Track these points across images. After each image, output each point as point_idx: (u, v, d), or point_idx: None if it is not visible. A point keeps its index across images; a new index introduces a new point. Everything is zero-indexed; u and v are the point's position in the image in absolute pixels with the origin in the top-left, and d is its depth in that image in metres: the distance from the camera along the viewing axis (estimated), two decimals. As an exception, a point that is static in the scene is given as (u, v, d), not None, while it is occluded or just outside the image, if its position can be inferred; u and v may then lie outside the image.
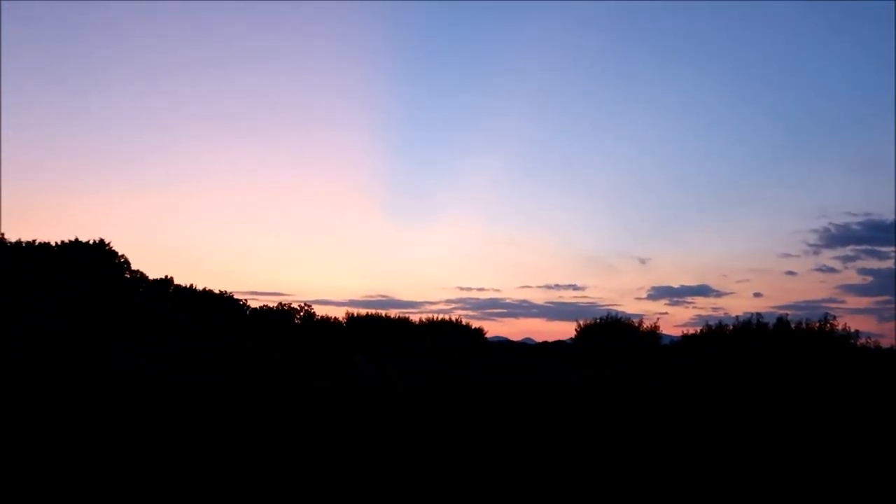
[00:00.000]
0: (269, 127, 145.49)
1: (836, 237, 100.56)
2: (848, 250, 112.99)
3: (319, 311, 70.96)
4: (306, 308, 67.04)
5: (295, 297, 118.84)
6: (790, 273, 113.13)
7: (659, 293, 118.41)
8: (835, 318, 34.57)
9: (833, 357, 32.91)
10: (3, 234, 41.73)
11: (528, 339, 79.30)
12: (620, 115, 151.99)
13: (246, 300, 63.92)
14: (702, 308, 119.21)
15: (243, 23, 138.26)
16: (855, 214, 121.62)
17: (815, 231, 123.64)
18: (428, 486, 8.80)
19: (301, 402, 18.84)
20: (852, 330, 34.58)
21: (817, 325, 34.68)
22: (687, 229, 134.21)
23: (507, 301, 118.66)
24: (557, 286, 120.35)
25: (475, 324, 63.90)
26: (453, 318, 68.61)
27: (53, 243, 44.72)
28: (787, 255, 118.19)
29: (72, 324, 29.92)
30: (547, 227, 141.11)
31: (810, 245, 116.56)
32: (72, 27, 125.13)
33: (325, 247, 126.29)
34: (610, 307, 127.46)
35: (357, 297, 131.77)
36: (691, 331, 44.63)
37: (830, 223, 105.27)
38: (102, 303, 35.01)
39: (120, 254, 49.35)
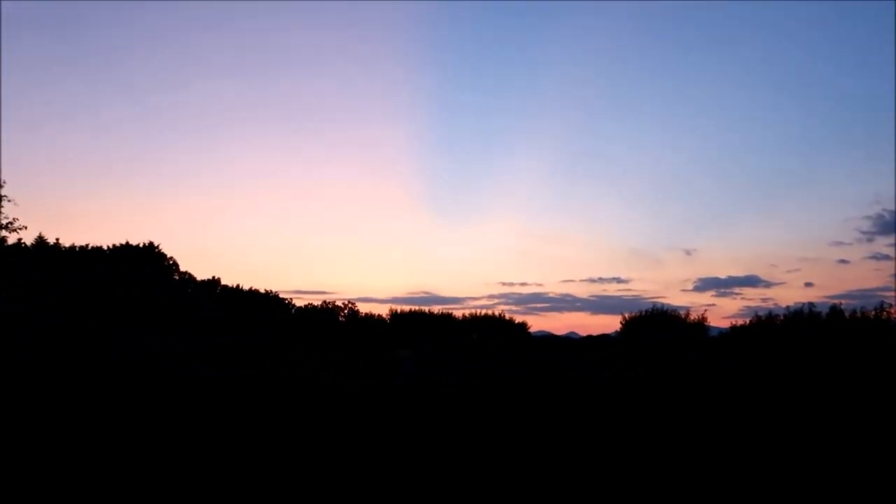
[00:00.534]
0: (315, 128, 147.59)
1: (891, 224, 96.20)
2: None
3: (363, 308, 71.89)
4: (350, 306, 67.97)
5: (339, 296, 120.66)
6: (842, 262, 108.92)
7: (706, 285, 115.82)
8: (891, 306, 33.30)
9: (891, 346, 31.59)
10: (57, 240, 43.30)
11: (573, 332, 78.56)
12: (662, 107, 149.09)
13: (291, 299, 65.17)
14: (750, 299, 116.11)
15: (287, 24, 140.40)
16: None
17: (868, 218, 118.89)
18: (457, 482, 8.80)
19: (337, 399, 19.03)
20: (910, 318, 33.23)
21: (873, 313, 33.38)
22: (734, 219, 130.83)
23: (551, 295, 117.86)
24: (601, 279, 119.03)
25: (518, 318, 63.76)
26: (496, 314, 68.68)
27: (105, 247, 46.19)
28: (839, 244, 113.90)
29: (94, 321, 30.70)
30: (589, 221, 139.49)
31: (863, 232, 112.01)
32: (114, 33, 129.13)
33: (369, 245, 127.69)
34: (655, 300, 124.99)
35: (400, 294, 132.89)
36: (740, 322, 43.62)
37: (884, 209, 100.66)
38: (145, 301, 36.01)
39: (169, 256, 50.71)
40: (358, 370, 27.39)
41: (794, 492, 8.45)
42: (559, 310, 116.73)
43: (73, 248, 45.47)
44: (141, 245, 49.21)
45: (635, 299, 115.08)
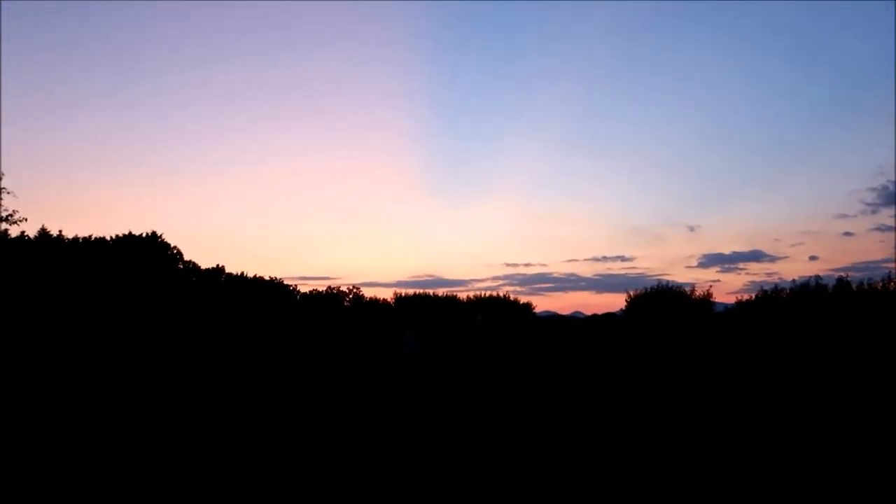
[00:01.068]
0: (313, 111, 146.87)
1: (895, 195, 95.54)
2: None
3: (368, 292, 71.77)
4: (355, 291, 67.98)
5: (344, 281, 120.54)
6: (847, 234, 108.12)
7: (710, 261, 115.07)
8: (898, 276, 32.77)
9: (899, 317, 31.23)
10: (60, 232, 43.31)
11: (578, 312, 78.26)
12: (660, 80, 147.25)
13: (296, 286, 65.17)
14: (755, 274, 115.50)
15: (286, 8, 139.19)
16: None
17: (872, 189, 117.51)
18: (461, 472, 8.64)
19: (340, 391, 18.96)
20: (918, 289, 32.77)
21: (880, 284, 32.95)
22: (736, 193, 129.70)
23: (555, 275, 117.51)
24: (605, 258, 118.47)
25: (523, 299, 63.41)
26: (501, 295, 68.53)
27: (108, 237, 46.17)
28: (844, 216, 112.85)
29: (91, 317, 30.80)
30: (592, 199, 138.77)
31: (868, 204, 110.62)
32: (112, 21, 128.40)
33: (372, 229, 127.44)
34: (660, 277, 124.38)
35: (405, 277, 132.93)
36: (745, 297, 43.19)
37: (888, 180, 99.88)
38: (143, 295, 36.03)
39: (173, 245, 50.71)
40: (361, 359, 27.36)
41: (806, 475, 8.25)
42: (564, 289, 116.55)
43: (76, 239, 45.49)
44: (144, 234, 49.23)
45: (640, 277, 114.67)
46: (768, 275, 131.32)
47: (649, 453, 8.51)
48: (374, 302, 67.95)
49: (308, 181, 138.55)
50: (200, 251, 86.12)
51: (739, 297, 46.93)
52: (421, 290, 66.90)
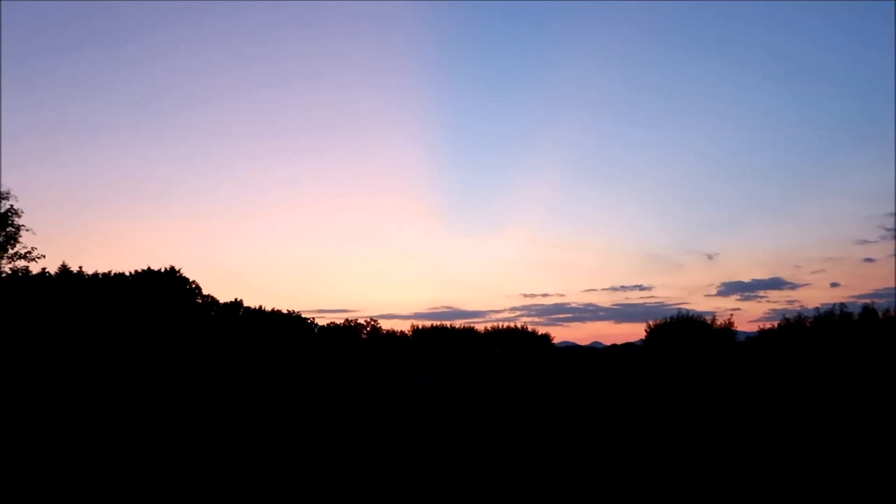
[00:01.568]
0: (330, 145, 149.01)
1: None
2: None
3: (386, 325, 71.72)
4: (372, 323, 67.90)
5: (362, 313, 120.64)
6: (868, 260, 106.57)
7: (729, 289, 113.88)
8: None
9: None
10: (80, 268, 43.77)
11: (597, 342, 77.56)
12: (676, 111, 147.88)
13: (313, 318, 65.18)
14: (775, 302, 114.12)
15: (304, 43, 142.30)
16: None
17: (891, 214, 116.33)
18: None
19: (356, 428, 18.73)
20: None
21: (908, 311, 32.23)
22: (755, 221, 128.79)
23: (573, 305, 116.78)
24: (623, 287, 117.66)
25: (541, 330, 62.93)
26: (519, 326, 68.03)
27: (127, 273, 46.55)
28: (864, 242, 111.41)
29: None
30: (608, 229, 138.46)
31: (888, 229, 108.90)
32: (132, 59, 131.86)
33: (390, 261, 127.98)
34: (679, 306, 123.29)
35: (422, 309, 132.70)
36: (768, 325, 42.43)
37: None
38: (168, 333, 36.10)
39: (191, 280, 50.95)
40: (376, 395, 27.03)
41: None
42: (582, 320, 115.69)
43: (95, 275, 45.92)
44: (162, 270, 49.56)
45: (659, 306, 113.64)
46: (789, 302, 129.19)
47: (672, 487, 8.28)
48: (392, 334, 67.88)
49: (325, 215, 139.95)
50: (218, 285, 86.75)
51: (762, 326, 46.14)
52: (438, 322, 66.71)
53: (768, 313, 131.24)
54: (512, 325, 62.79)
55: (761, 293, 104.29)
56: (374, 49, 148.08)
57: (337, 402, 23.54)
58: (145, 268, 47.58)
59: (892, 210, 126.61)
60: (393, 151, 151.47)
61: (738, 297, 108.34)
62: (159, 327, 42.72)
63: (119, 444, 12.86)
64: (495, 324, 63.78)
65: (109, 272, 46.20)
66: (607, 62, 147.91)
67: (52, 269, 41.14)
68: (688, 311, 52.61)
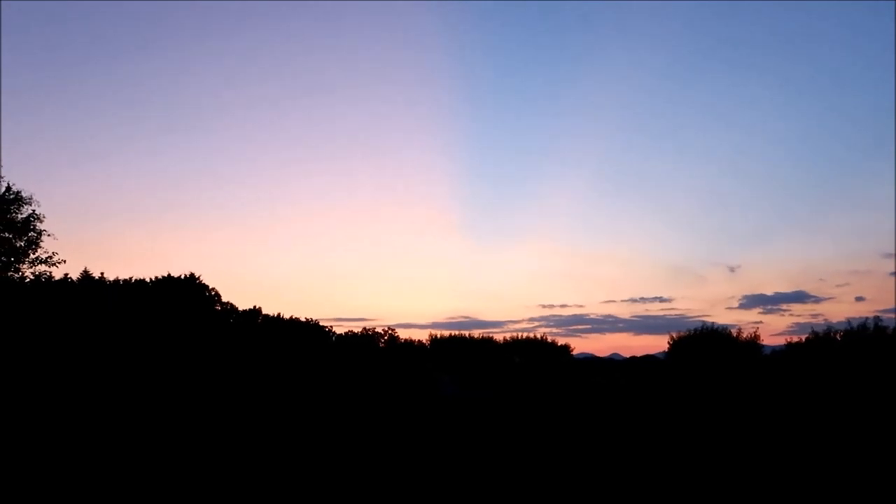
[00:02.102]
0: (350, 155, 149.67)
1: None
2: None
3: (404, 334, 71.42)
4: (390, 332, 67.56)
5: (380, 322, 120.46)
6: (895, 274, 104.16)
7: (751, 302, 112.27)
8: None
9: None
10: (102, 274, 43.90)
11: (616, 354, 76.75)
12: (698, 118, 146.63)
13: (331, 326, 65.04)
14: (799, 315, 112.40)
15: (325, 54, 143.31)
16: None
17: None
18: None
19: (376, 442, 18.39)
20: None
21: (944, 327, 31.22)
22: (779, 233, 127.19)
23: (592, 317, 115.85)
24: (643, 299, 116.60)
25: (560, 341, 62.29)
26: (537, 336, 67.34)
27: (148, 279, 46.64)
28: (890, 255, 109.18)
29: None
30: (629, 240, 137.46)
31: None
32: (142, 68, 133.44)
33: (408, 270, 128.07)
34: (700, 318, 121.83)
35: (441, 318, 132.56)
36: (795, 339, 41.46)
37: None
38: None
39: (211, 287, 50.96)
40: (394, 406, 26.68)
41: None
42: (601, 331, 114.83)
43: (116, 281, 46.04)
44: (182, 276, 49.60)
45: (679, 318, 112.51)
46: (813, 316, 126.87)
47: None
48: (410, 343, 67.55)
49: (344, 224, 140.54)
50: (238, 293, 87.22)
51: (789, 339, 45.12)
52: (457, 332, 66.34)
53: (791, 327, 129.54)
54: (531, 335, 62.27)
55: (784, 306, 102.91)
56: (398, 60, 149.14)
57: (357, 409, 23.25)
58: (165, 274, 47.64)
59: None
60: (415, 162, 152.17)
61: (761, 311, 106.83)
62: (179, 333, 42.76)
63: (141, 447, 12.66)
64: (514, 334, 63.34)
65: (130, 278, 46.31)
66: (631, 73, 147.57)
67: (74, 274, 41.27)
68: (711, 323, 51.62)
